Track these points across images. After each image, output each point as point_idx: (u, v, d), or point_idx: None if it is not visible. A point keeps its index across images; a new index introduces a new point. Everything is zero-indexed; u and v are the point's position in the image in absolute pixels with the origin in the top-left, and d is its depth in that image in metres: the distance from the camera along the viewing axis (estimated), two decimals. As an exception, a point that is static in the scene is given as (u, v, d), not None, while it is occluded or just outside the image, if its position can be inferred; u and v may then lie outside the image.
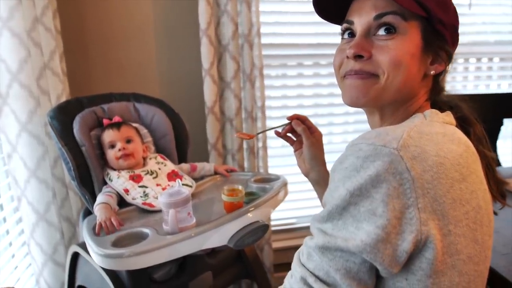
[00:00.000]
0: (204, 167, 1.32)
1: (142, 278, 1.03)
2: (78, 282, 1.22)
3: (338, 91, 1.97)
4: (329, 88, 1.84)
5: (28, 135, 1.19)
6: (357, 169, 0.50)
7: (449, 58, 0.63)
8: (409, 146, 0.49)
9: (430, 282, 0.51)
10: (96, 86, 1.58)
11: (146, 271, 1.03)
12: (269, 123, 1.71)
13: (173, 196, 0.91)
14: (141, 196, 1.10)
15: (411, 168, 0.48)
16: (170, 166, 1.24)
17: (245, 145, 1.67)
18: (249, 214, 0.97)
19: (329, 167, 0.67)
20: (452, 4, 0.63)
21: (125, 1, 1.57)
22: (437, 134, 0.53)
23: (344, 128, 1.94)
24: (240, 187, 1.02)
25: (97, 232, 0.95)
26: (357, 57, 0.60)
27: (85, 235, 0.96)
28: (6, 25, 1.11)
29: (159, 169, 1.21)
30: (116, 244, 0.89)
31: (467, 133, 0.62)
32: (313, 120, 0.88)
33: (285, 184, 1.17)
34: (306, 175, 0.86)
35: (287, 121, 0.85)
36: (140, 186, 1.13)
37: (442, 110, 0.63)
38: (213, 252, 1.16)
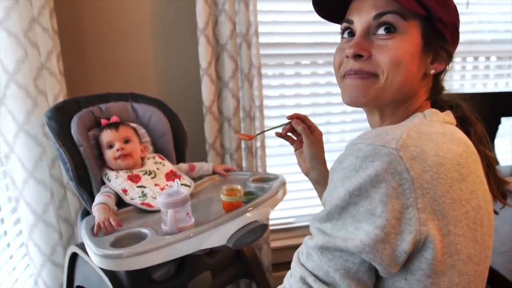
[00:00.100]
0: (203, 167, 1.32)
1: (141, 278, 1.03)
2: (76, 282, 1.22)
3: (335, 90, 1.98)
4: (326, 87, 1.84)
5: (26, 135, 1.18)
6: (356, 169, 0.50)
7: (449, 57, 0.63)
8: (408, 146, 0.49)
9: (429, 282, 0.51)
10: (93, 86, 1.58)
11: (145, 271, 1.03)
12: (267, 123, 1.71)
13: (172, 196, 0.91)
14: (139, 196, 1.10)
15: (411, 168, 0.48)
16: (168, 166, 1.24)
17: (243, 145, 1.67)
18: (248, 213, 0.97)
19: (329, 166, 0.68)
20: (452, 3, 0.62)
21: (122, 0, 1.56)
22: (437, 134, 0.53)
23: (341, 127, 1.94)
24: (238, 187, 1.02)
25: (96, 232, 0.95)
26: (357, 56, 0.60)
27: (83, 236, 0.96)
28: (2, 25, 1.10)
29: (158, 169, 1.21)
30: (115, 244, 0.89)
31: (467, 132, 0.62)
32: (310, 119, 0.88)
33: (283, 184, 1.17)
34: (307, 174, 0.86)
35: (285, 121, 0.85)
36: (138, 186, 1.13)
37: (442, 109, 0.63)
38: (211, 252, 1.16)
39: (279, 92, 1.81)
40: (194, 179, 1.24)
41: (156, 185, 1.15)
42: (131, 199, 1.09)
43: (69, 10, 1.51)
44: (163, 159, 1.26)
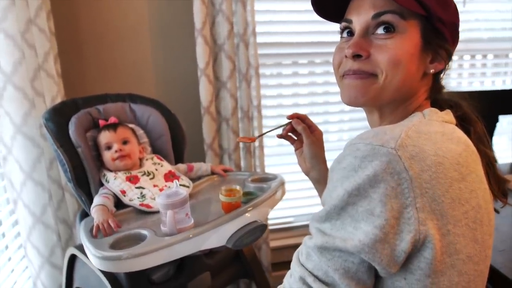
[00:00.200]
0: (201, 167, 1.32)
1: (140, 279, 1.03)
2: (75, 284, 1.21)
3: (333, 89, 1.97)
4: (324, 87, 1.84)
5: (23, 137, 1.18)
6: (355, 169, 0.50)
7: (449, 56, 0.63)
8: (407, 146, 0.49)
9: (429, 282, 0.51)
10: (91, 87, 1.57)
11: (144, 272, 1.03)
12: (265, 122, 1.71)
13: (171, 197, 0.91)
14: (138, 197, 1.10)
15: (409, 167, 0.48)
16: (166, 166, 1.24)
17: (241, 145, 1.67)
18: (247, 214, 0.97)
19: (329, 165, 0.68)
20: (452, 2, 0.62)
21: (119, 1, 1.56)
22: (436, 133, 0.53)
23: (339, 126, 1.94)
24: (237, 187, 1.01)
25: (95, 234, 0.94)
26: (356, 56, 0.60)
27: (82, 238, 0.95)
28: (-1, 27, 1.10)
29: (156, 170, 1.20)
30: (114, 246, 0.89)
31: (467, 131, 0.62)
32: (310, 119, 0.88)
33: (282, 184, 1.17)
34: (307, 174, 0.86)
35: (284, 121, 0.85)
36: (137, 187, 1.12)
37: (442, 108, 0.63)
38: (211, 252, 1.16)
39: (277, 91, 1.81)
40: (193, 180, 1.24)
41: (154, 186, 1.15)
42: (130, 200, 1.09)
43: (66, 11, 1.51)
44: (161, 159, 1.26)
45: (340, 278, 0.51)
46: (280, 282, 0.59)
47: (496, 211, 0.63)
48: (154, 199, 1.09)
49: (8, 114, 1.15)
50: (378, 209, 0.48)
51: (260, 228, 0.97)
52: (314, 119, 0.85)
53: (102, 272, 1.02)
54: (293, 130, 0.85)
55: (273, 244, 1.84)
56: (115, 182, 1.13)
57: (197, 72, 1.56)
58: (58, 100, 1.30)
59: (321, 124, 1.89)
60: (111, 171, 1.17)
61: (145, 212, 1.06)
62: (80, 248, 1.09)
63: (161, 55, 1.64)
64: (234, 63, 1.57)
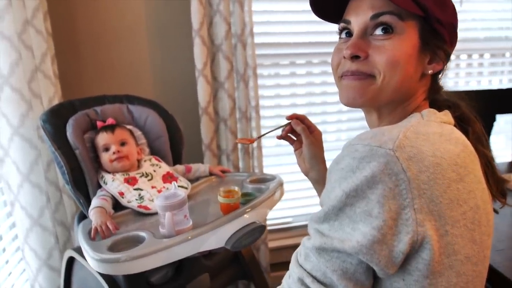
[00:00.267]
0: (199, 168, 1.31)
1: (139, 282, 1.02)
2: (74, 287, 1.21)
3: (331, 89, 1.97)
4: (322, 87, 1.84)
5: (20, 139, 1.17)
6: (353, 170, 0.50)
7: (447, 57, 0.63)
8: (405, 147, 0.49)
9: (427, 283, 0.51)
10: (88, 88, 1.56)
11: (143, 274, 1.02)
12: (263, 123, 1.71)
13: (169, 199, 0.91)
14: (136, 199, 1.09)
15: (407, 168, 0.48)
16: (165, 167, 1.23)
17: (239, 145, 1.67)
18: (245, 215, 0.97)
19: (328, 165, 0.68)
20: (450, 2, 0.62)
21: (116, 1, 1.55)
22: (434, 134, 0.53)
23: (337, 126, 1.94)
24: (236, 188, 1.01)
25: (93, 236, 0.94)
26: (354, 57, 0.60)
27: (80, 240, 0.95)
28: (-4, 28, 1.09)
29: (154, 171, 1.20)
30: (113, 248, 0.88)
31: (465, 132, 0.62)
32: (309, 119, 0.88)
33: (281, 184, 1.16)
34: (306, 174, 0.86)
35: (282, 121, 0.85)
36: (135, 189, 1.12)
37: (440, 109, 0.63)
38: (210, 254, 1.16)
39: (275, 92, 1.81)
40: (191, 181, 1.24)
41: (153, 187, 1.14)
42: (128, 202, 1.09)
43: (63, 12, 1.50)
44: (159, 161, 1.26)
45: (338, 279, 0.51)
46: (279, 283, 0.59)
47: (495, 211, 0.63)
48: (152, 200, 1.08)
49: (5, 115, 1.14)
50: (376, 210, 0.48)
51: (259, 229, 0.97)
52: (312, 119, 0.86)
53: (101, 274, 1.01)
54: (293, 131, 0.85)
55: (272, 244, 1.84)
56: (113, 183, 1.12)
57: (194, 72, 1.55)
58: (56, 101, 1.30)
59: (319, 124, 1.86)
60: (109, 172, 1.17)
61: (143, 214, 1.06)
62: (78, 250, 1.08)
63: (159, 55, 1.64)
64: (232, 63, 1.57)
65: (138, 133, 1.32)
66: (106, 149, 1.18)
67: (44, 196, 1.24)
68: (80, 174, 1.14)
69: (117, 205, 1.09)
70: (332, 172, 0.54)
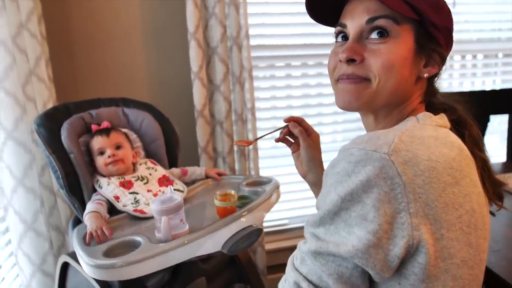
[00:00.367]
0: (195, 171, 1.31)
1: (135, 287, 1.02)
2: (69, 292, 1.20)
3: (327, 91, 1.97)
4: (317, 89, 1.85)
5: (14, 143, 1.16)
6: (348, 174, 0.50)
7: (442, 60, 0.63)
8: (400, 151, 0.49)
9: (423, 287, 0.51)
10: (83, 91, 1.56)
11: (139, 279, 1.01)
12: (259, 125, 1.71)
13: (165, 203, 0.90)
14: (132, 203, 1.09)
15: (402, 172, 0.48)
16: (160, 171, 1.23)
17: (235, 148, 1.67)
18: (242, 218, 0.97)
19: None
20: (445, 6, 0.62)
21: (112, 4, 1.55)
22: (429, 138, 0.53)
23: (333, 127, 1.95)
24: (232, 192, 1.01)
25: (88, 241, 0.93)
26: (350, 61, 0.60)
27: (75, 245, 0.94)
28: (-11, 32, 1.08)
29: (150, 174, 1.20)
30: (108, 253, 0.88)
31: (461, 135, 0.62)
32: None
33: (277, 187, 1.16)
34: (304, 176, 0.86)
35: (278, 123, 0.85)
36: (130, 193, 1.11)
37: (437, 112, 0.63)
38: (207, 257, 1.15)
39: (271, 94, 1.81)
40: (187, 184, 1.23)
41: (148, 190, 1.14)
42: (124, 206, 1.08)
43: (57, 15, 1.49)
44: (155, 164, 1.25)
45: (334, 283, 0.51)
46: (276, 286, 0.60)
47: (492, 214, 0.63)
48: (148, 204, 1.08)
49: (-2, 120, 1.13)
50: (371, 214, 0.48)
51: (255, 233, 0.96)
52: (308, 121, 0.86)
53: (96, 280, 1.01)
54: (290, 133, 0.85)
55: (268, 246, 1.84)
56: (109, 187, 1.12)
57: (190, 75, 1.55)
58: (50, 105, 1.29)
59: (315, 125, 1.85)
60: (104, 176, 1.16)
61: (139, 218, 1.05)
62: (73, 255, 1.07)
63: (154, 58, 1.63)
64: (228, 66, 1.57)
65: (133, 136, 1.31)
66: (101, 152, 1.17)
67: (38, 201, 1.23)
68: (75, 179, 1.13)
69: (112, 209, 1.08)
70: (328, 176, 0.54)
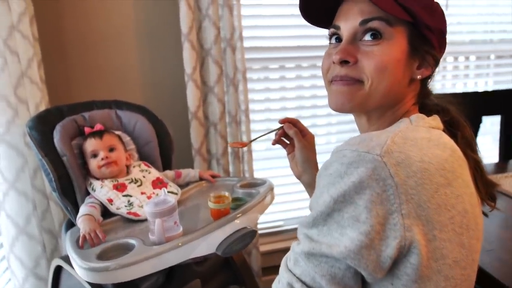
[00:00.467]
0: (189, 173, 1.31)
1: (129, 289, 1.01)
2: (62, 295, 1.19)
3: (320, 92, 1.98)
4: (311, 90, 1.85)
5: (6, 146, 1.15)
6: (341, 175, 0.50)
7: (436, 62, 0.63)
8: (392, 152, 0.50)
9: (415, 287, 0.51)
10: (76, 93, 1.55)
11: (133, 282, 1.00)
12: (253, 127, 1.71)
13: (159, 205, 0.90)
14: (125, 206, 1.08)
15: (395, 174, 0.48)
16: (154, 173, 1.22)
17: (229, 149, 1.66)
18: (236, 220, 0.97)
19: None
20: (439, 8, 0.63)
21: (105, 6, 1.54)
22: (422, 139, 0.53)
23: (327, 129, 1.95)
24: (226, 194, 1.01)
25: (81, 244, 0.93)
26: (343, 62, 0.60)
27: (68, 248, 0.93)
28: (-20, 34, 1.08)
29: (144, 177, 1.19)
30: (101, 256, 0.87)
31: (454, 136, 0.62)
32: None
33: (271, 189, 1.16)
34: (299, 177, 0.86)
35: (272, 125, 0.85)
36: (124, 195, 1.11)
37: (430, 113, 0.63)
38: (201, 260, 1.15)
39: (265, 96, 1.81)
40: (181, 186, 1.23)
41: (142, 193, 1.13)
42: (117, 208, 1.07)
43: (50, 16, 1.48)
44: (149, 166, 1.25)
45: (327, 284, 0.51)
46: (270, 287, 0.59)
47: (485, 215, 0.64)
48: (142, 207, 1.07)
49: (-10, 122, 1.13)
50: (363, 215, 0.49)
51: (249, 235, 0.96)
52: (302, 123, 0.86)
53: (89, 283, 1.00)
54: (285, 135, 0.85)
55: (263, 248, 1.84)
56: (102, 190, 1.11)
57: (184, 77, 1.55)
58: (42, 107, 1.28)
59: (309, 127, 1.87)
60: (97, 179, 1.15)
61: (132, 221, 1.05)
62: (66, 259, 1.06)
63: (148, 60, 1.63)
64: (221, 67, 1.57)
65: (127, 138, 1.30)
66: (94, 155, 1.16)
67: (30, 204, 1.22)
68: (68, 181, 1.13)
69: (106, 212, 1.08)
70: (321, 177, 0.54)
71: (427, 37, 0.60)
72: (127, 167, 1.21)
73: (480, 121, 1.74)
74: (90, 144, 1.17)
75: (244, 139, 1.65)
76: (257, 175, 1.73)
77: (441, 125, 0.62)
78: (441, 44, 0.64)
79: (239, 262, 1.28)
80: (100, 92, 1.55)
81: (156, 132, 1.33)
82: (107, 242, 0.93)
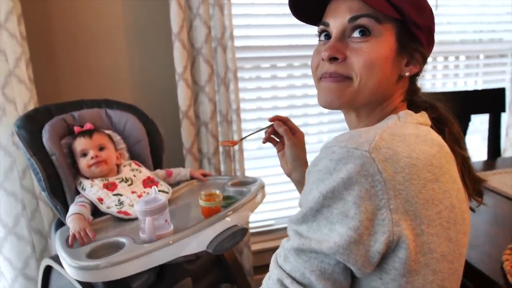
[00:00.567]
0: (180, 172, 1.30)
1: (119, 289, 1.01)
2: (52, 296, 1.18)
3: (312, 92, 1.99)
4: (303, 89, 1.86)
5: (-6, 146, 1.14)
6: (330, 171, 0.51)
7: (424, 59, 0.64)
8: (380, 148, 0.50)
9: (404, 281, 0.52)
10: (65, 93, 1.53)
11: (123, 281, 1.00)
12: (244, 126, 1.71)
13: (149, 203, 0.90)
14: (116, 205, 1.07)
15: (383, 170, 0.49)
16: (145, 172, 1.22)
17: (221, 149, 1.66)
18: (227, 218, 0.97)
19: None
20: (427, 5, 0.63)
21: (94, 4, 1.53)
22: (410, 136, 0.54)
23: (319, 128, 1.96)
24: (217, 192, 1.01)
25: (71, 243, 0.92)
26: (332, 59, 0.60)
27: (58, 247, 0.93)
28: (-33, 32, 1.06)
29: (134, 176, 1.19)
30: (91, 255, 0.87)
31: (442, 133, 0.63)
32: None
33: (262, 187, 1.16)
34: (289, 175, 0.86)
35: (264, 124, 0.85)
36: (114, 194, 1.10)
37: (418, 110, 0.63)
38: (192, 258, 1.15)
39: (256, 95, 1.82)
40: (172, 185, 1.23)
41: (133, 192, 1.13)
42: (107, 207, 1.07)
43: (38, 15, 1.47)
44: (139, 165, 1.24)
45: (317, 280, 0.51)
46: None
47: (472, 210, 0.64)
48: (132, 206, 1.07)
49: (-23, 122, 1.11)
50: (352, 211, 0.49)
51: (240, 232, 0.96)
52: (293, 122, 0.86)
53: (80, 282, 0.99)
54: (275, 133, 0.85)
55: (255, 247, 1.84)
56: (92, 189, 1.10)
57: (174, 76, 1.54)
58: (31, 106, 1.27)
59: (300, 126, 1.86)
60: (87, 178, 1.15)
61: (123, 220, 1.04)
62: (56, 258, 1.05)
63: (138, 59, 1.62)
64: (212, 67, 1.57)
65: (117, 138, 1.30)
66: (84, 154, 1.15)
67: (19, 204, 1.21)
68: (57, 181, 1.12)
69: (96, 212, 1.07)
70: (310, 174, 0.54)
71: (415, 35, 0.61)
72: (118, 166, 1.20)
73: (469, 119, 1.75)
74: (80, 143, 1.16)
75: (236, 138, 1.65)
76: (249, 174, 1.73)
77: (429, 122, 0.62)
78: (429, 41, 0.64)
79: (230, 261, 1.28)
80: (90, 92, 1.54)
81: (147, 131, 1.33)
82: (97, 241, 0.92)
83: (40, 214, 1.29)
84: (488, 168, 1.54)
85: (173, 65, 1.53)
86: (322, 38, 0.66)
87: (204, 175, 1.32)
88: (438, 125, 0.66)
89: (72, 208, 1.04)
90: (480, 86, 2.19)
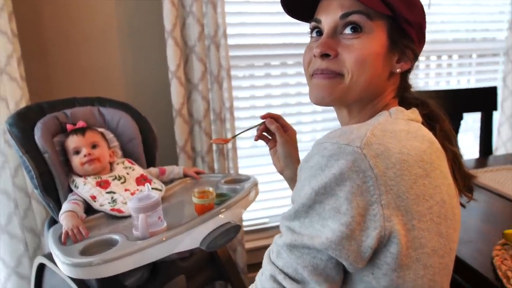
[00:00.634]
0: (173, 170, 1.30)
1: (113, 285, 1.00)
2: (45, 294, 1.18)
3: (305, 90, 1.98)
4: (296, 88, 1.86)
5: (-14, 144, 1.13)
6: (322, 168, 0.51)
7: (415, 56, 0.64)
8: (372, 144, 0.50)
9: (395, 276, 0.52)
10: (57, 91, 1.52)
11: (117, 278, 1.00)
12: (238, 124, 1.71)
13: (143, 200, 0.90)
14: (109, 202, 1.07)
15: (374, 165, 0.49)
16: (138, 170, 1.21)
17: (214, 147, 1.66)
18: (220, 215, 0.97)
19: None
20: (418, 3, 0.63)
21: (86, 1, 1.52)
22: (401, 132, 0.54)
23: (312, 126, 1.97)
24: (210, 189, 1.01)
25: (64, 241, 0.92)
26: (324, 56, 0.61)
27: (51, 245, 0.92)
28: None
29: (127, 173, 1.18)
30: (85, 252, 0.87)
31: (433, 129, 0.63)
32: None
33: (255, 184, 1.17)
34: (281, 172, 0.86)
35: (256, 122, 0.85)
36: (107, 192, 1.10)
37: (409, 107, 0.64)
38: (186, 256, 1.15)
39: (250, 93, 1.82)
40: (165, 183, 1.22)
41: (126, 190, 1.13)
42: (100, 205, 1.06)
43: (29, 12, 1.46)
44: (132, 163, 1.24)
45: (309, 275, 0.52)
46: (255, 282, 0.60)
47: (463, 205, 0.65)
48: (125, 203, 1.07)
49: (-32, 119, 1.10)
50: (344, 207, 0.49)
51: (233, 229, 0.97)
52: (287, 120, 0.86)
53: (73, 279, 0.99)
54: (267, 130, 0.86)
55: (249, 245, 1.84)
56: (85, 187, 1.10)
57: (168, 74, 1.54)
58: (23, 104, 1.26)
59: (294, 124, 1.86)
60: (80, 176, 1.14)
61: (116, 217, 1.04)
62: (49, 256, 1.05)
63: (131, 57, 1.61)
64: (206, 65, 1.57)
65: (110, 135, 1.29)
66: (77, 152, 1.15)
67: (12, 203, 1.20)
68: (50, 179, 1.11)
69: (89, 209, 1.07)
70: (302, 170, 0.55)
71: (406, 31, 0.61)
72: (111, 164, 1.20)
73: (461, 118, 1.77)
74: (73, 141, 1.16)
75: (229, 136, 1.65)
76: (242, 172, 1.74)
77: (419, 118, 0.63)
78: (420, 38, 0.64)
79: (224, 259, 1.28)
80: (83, 90, 1.53)
81: (140, 129, 1.33)
82: (90, 238, 0.92)
83: (32, 212, 1.28)
84: (480, 166, 1.55)
85: (166, 63, 1.52)
86: (314, 34, 0.66)
87: (198, 172, 1.32)
88: (429, 121, 0.66)
89: (65, 206, 1.04)
90: (472, 85, 2.21)
